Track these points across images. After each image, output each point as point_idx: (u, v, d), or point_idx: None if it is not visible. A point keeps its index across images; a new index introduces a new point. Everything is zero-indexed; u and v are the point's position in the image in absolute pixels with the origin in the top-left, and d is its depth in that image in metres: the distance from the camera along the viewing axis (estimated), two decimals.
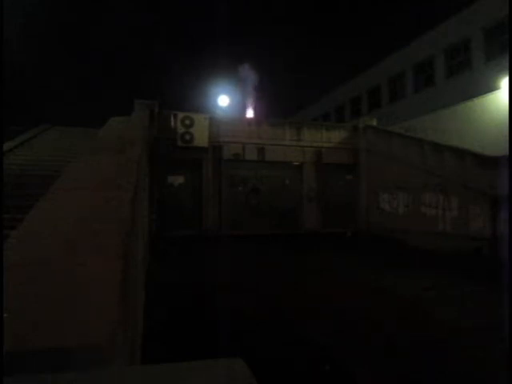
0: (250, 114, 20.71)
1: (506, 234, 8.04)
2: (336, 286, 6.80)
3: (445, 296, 6.24)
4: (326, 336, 4.49)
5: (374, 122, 15.38)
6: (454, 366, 3.77)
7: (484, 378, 3.56)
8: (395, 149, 13.13)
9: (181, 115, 12.64)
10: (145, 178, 7.84)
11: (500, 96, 13.88)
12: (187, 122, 12.60)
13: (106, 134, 6.56)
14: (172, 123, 12.50)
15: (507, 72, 13.19)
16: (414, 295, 6.27)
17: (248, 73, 21.44)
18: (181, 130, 12.51)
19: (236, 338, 4.18)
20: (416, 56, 18.92)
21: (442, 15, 17.17)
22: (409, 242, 11.17)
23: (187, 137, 12.57)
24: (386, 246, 11.33)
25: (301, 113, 32.17)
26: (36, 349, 1.24)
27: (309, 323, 4.96)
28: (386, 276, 7.61)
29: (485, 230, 9.19)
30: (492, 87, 14.32)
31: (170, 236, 11.25)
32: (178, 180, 12.92)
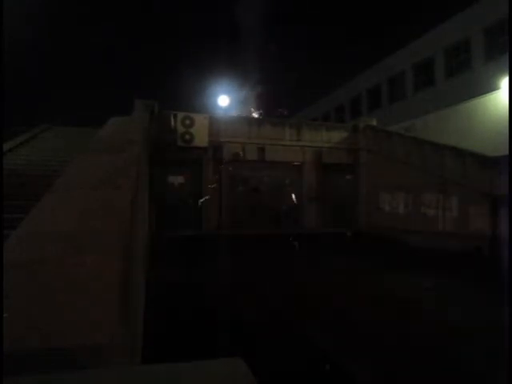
0: (253, 112, 20.45)
1: (506, 234, 8.04)
2: (336, 287, 6.80)
3: (445, 296, 6.23)
4: (325, 336, 4.49)
5: (374, 122, 15.37)
6: (454, 365, 3.77)
7: (484, 378, 3.56)
8: (395, 149, 13.12)
9: (181, 115, 12.63)
10: (145, 178, 7.84)
11: (500, 96, 13.88)
12: (187, 121, 12.59)
13: (105, 133, 6.55)
14: (172, 123, 12.49)
15: (507, 72, 13.18)
16: (414, 295, 6.27)
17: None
18: (181, 130, 12.50)
19: (235, 338, 4.18)
20: (416, 56, 18.91)
21: (442, 15, 17.18)
22: (409, 242, 11.16)
23: (187, 137, 12.57)
24: (386, 246, 11.32)
25: (301, 112, 32.16)
26: (36, 349, 1.24)
27: (309, 324, 4.96)
28: (386, 276, 7.60)
29: (485, 230, 9.18)
30: (492, 87, 14.31)
31: (169, 236, 11.23)
32: (178, 180, 12.91)
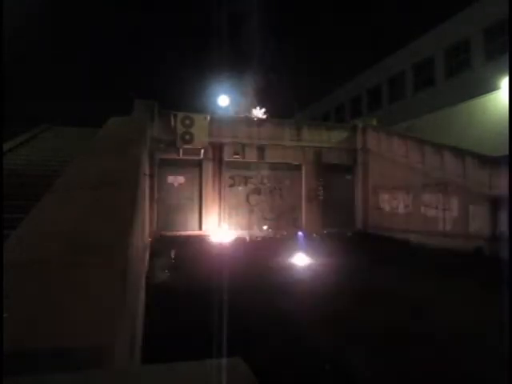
0: (256, 112, 20.18)
1: (506, 234, 8.04)
2: (336, 286, 6.80)
3: (445, 296, 6.23)
4: (326, 336, 4.49)
5: (374, 122, 15.38)
6: (453, 365, 3.77)
7: (484, 379, 3.56)
8: (395, 149, 13.12)
9: (181, 115, 12.64)
10: (145, 178, 7.84)
11: (500, 96, 13.88)
12: (187, 121, 12.59)
13: (105, 133, 6.55)
14: (172, 123, 12.49)
15: (507, 72, 13.18)
16: (414, 295, 6.27)
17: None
18: (181, 130, 12.50)
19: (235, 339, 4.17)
20: (416, 56, 18.92)
21: (442, 15, 17.18)
22: (409, 242, 11.17)
23: (187, 137, 12.57)
24: (386, 246, 11.32)
25: (301, 113, 32.15)
26: (36, 349, 1.24)
27: (309, 323, 4.96)
28: (387, 276, 7.60)
29: (485, 230, 9.18)
30: (492, 87, 14.31)
31: (169, 236, 11.25)
32: (178, 180, 12.92)
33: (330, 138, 14.62)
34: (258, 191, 13.82)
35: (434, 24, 17.80)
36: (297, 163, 14.27)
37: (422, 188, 11.53)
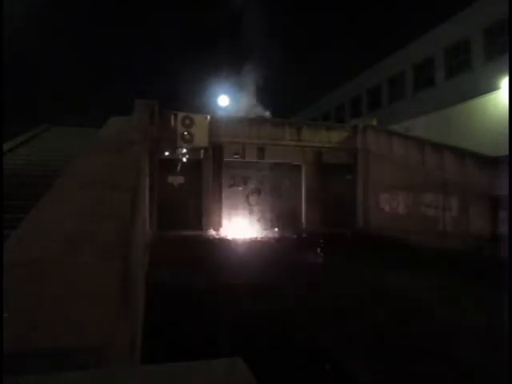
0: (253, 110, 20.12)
1: (506, 234, 8.04)
2: (336, 286, 6.80)
3: (445, 296, 6.24)
4: (326, 337, 4.50)
5: (374, 122, 15.37)
6: (452, 365, 3.78)
7: (484, 379, 3.56)
8: (395, 149, 13.12)
9: (181, 115, 12.64)
10: (145, 178, 7.85)
11: (500, 96, 13.88)
12: (187, 121, 12.60)
13: (105, 133, 6.56)
14: (172, 123, 12.50)
15: (507, 72, 13.18)
16: (414, 295, 6.27)
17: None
18: (181, 129, 12.51)
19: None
20: (416, 56, 18.92)
21: (442, 15, 17.18)
22: (409, 242, 11.15)
23: (187, 137, 12.57)
24: (386, 246, 11.31)
25: (301, 113, 32.15)
26: (36, 349, 1.24)
27: (310, 325, 4.96)
28: (387, 276, 7.60)
29: (485, 230, 9.18)
30: (492, 87, 14.31)
31: (169, 236, 11.25)
32: (178, 180, 12.92)
33: (330, 138, 14.62)
34: (258, 191, 13.82)
35: (434, 24, 17.81)
36: (297, 163, 14.27)
37: (422, 188, 11.52)
